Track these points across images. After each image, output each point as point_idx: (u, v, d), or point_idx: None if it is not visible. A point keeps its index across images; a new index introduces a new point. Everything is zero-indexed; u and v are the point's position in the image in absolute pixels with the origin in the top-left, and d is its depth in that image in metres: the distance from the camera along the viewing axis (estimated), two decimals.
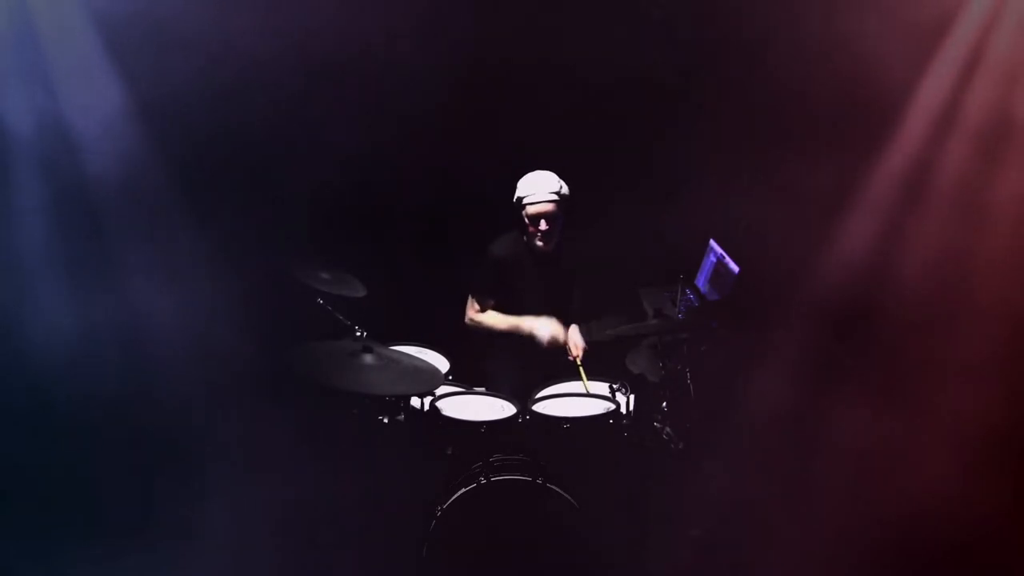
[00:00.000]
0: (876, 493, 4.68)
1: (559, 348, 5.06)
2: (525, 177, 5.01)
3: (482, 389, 4.82)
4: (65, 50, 4.81)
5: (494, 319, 5.13)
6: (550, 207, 4.93)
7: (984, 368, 4.59)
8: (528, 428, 4.54)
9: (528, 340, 5.07)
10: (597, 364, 5.02)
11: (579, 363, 4.98)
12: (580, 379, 4.89)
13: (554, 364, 5.05)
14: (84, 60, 4.86)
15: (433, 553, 4.24)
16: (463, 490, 4.27)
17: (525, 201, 4.96)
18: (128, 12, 4.86)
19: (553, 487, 4.25)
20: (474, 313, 5.17)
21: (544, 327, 5.04)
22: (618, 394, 4.72)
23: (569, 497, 4.25)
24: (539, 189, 4.94)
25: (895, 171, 5.00)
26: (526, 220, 4.98)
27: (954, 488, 4.49)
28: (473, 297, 5.16)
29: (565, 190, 4.98)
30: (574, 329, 5.19)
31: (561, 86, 5.75)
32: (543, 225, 4.95)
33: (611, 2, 5.67)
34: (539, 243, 4.99)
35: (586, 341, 5.07)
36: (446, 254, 5.76)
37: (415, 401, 4.57)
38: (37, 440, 4.70)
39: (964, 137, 4.79)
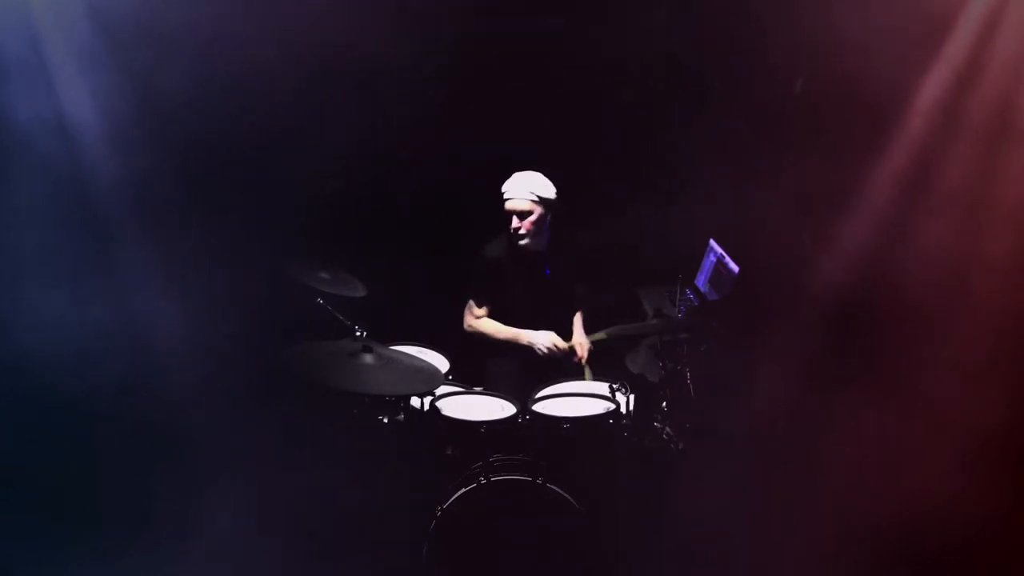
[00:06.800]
0: (876, 493, 4.68)
1: (559, 355, 5.05)
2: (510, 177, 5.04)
3: (482, 389, 4.82)
4: (65, 48, 4.80)
5: (493, 328, 5.11)
6: (524, 204, 4.94)
7: (985, 368, 4.59)
8: (528, 428, 4.54)
9: (528, 348, 5.07)
10: (597, 364, 5.02)
11: (584, 363, 4.98)
12: (584, 378, 4.88)
13: (555, 364, 5.05)
14: (84, 58, 4.85)
15: (433, 553, 4.24)
16: (463, 490, 4.27)
17: (504, 198, 4.99)
18: (128, 10, 4.85)
19: (553, 487, 4.26)
20: (473, 320, 5.14)
21: (543, 339, 5.04)
22: (618, 394, 4.72)
23: (569, 497, 4.25)
24: (516, 187, 4.97)
25: (896, 170, 4.99)
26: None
27: (954, 488, 4.49)
28: (472, 301, 5.14)
29: (548, 193, 4.97)
30: (578, 330, 5.19)
31: (561, 86, 5.75)
32: (515, 222, 4.96)
33: (611, 2, 5.67)
34: (516, 242, 5.00)
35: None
36: (446, 254, 5.75)
37: (415, 401, 4.57)
38: (36, 439, 4.69)
39: (966, 136, 4.78)
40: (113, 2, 4.81)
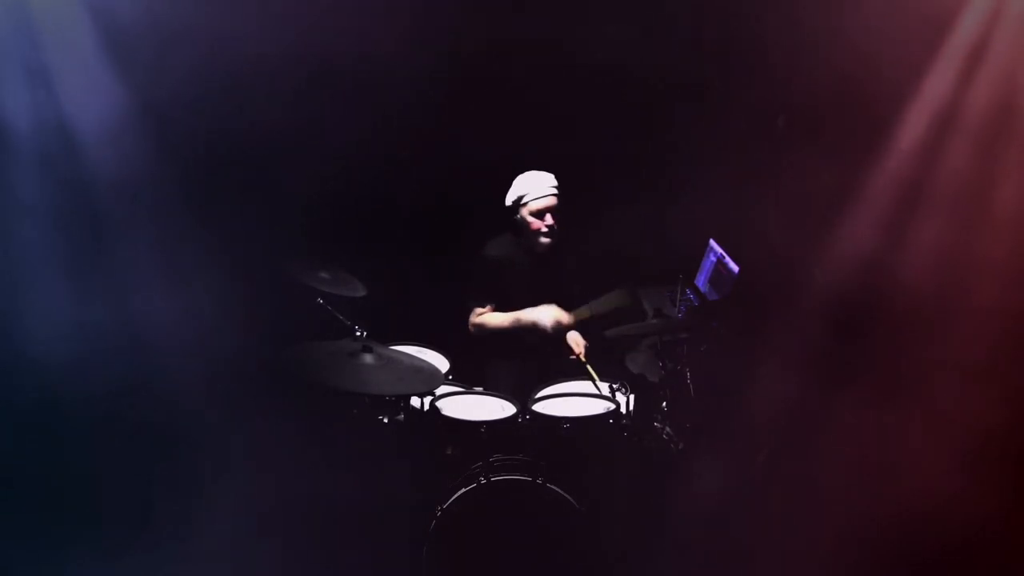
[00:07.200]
0: (876, 493, 4.68)
1: (562, 339, 5.05)
2: (521, 177, 5.03)
3: (482, 389, 4.82)
4: (65, 48, 4.80)
5: (496, 318, 5.11)
6: (554, 200, 4.95)
7: (985, 368, 4.59)
8: (528, 428, 4.54)
9: (530, 335, 5.05)
10: (597, 363, 5.02)
11: (584, 360, 4.98)
12: (587, 378, 4.88)
13: (555, 363, 5.05)
14: (84, 58, 4.85)
15: (433, 553, 4.24)
16: (463, 490, 4.27)
17: (527, 199, 4.97)
18: (129, 10, 4.85)
19: (553, 487, 4.25)
20: (476, 318, 5.14)
21: (546, 314, 5.03)
22: (618, 394, 4.72)
23: (569, 497, 4.25)
24: (540, 184, 4.97)
25: (896, 171, 4.99)
26: (528, 219, 4.98)
27: (954, 488, 4.49)
28: (475, 304, 5.14)
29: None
30: (571, 334, 5.19)
31: (561, 86, 5.75)
32: (549, 219, 4.96)
33: (610, 1, 5.66)
34: (544, 240, 4.99)
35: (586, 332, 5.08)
36: (446, 254, 5.75)
37: (415, 401, 4.57)
38: (36, 440, 4.69)
39: (965, 136, 4.78)
40: (113, 2, 4.81)
